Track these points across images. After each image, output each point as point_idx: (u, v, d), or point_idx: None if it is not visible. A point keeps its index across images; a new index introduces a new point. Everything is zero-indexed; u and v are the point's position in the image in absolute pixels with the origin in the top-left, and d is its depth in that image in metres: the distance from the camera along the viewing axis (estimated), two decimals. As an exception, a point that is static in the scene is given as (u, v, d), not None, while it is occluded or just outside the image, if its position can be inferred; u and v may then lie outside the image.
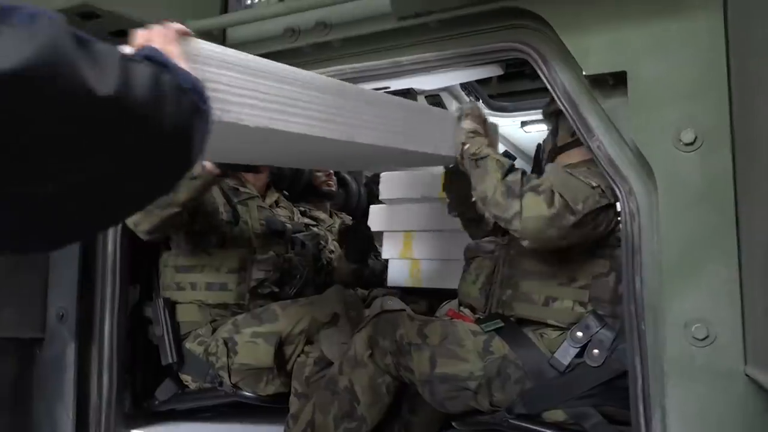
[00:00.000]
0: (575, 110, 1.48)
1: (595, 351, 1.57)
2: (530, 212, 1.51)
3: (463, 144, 1.73)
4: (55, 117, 0.53)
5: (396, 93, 3.03)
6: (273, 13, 1.68)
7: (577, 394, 1.57)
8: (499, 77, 3.70)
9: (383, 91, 1.98)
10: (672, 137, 1.31)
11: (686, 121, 1.30)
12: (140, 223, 1.94)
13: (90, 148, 0.56)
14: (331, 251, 2.59)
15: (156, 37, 0.88)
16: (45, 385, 2.01)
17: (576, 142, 1.85)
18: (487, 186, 1.61)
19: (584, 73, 1.41)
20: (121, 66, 0.59)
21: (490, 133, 1.84)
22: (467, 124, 1.77)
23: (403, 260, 2.80)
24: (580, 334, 1.59)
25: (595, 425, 1.54)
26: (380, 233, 2.96)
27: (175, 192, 1.82)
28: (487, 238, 1.98)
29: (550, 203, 1.51)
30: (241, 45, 1.80)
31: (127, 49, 0.77)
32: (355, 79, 1.78)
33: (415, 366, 1.70)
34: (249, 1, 1.77)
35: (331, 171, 3.05)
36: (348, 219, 3.11)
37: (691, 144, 1.29)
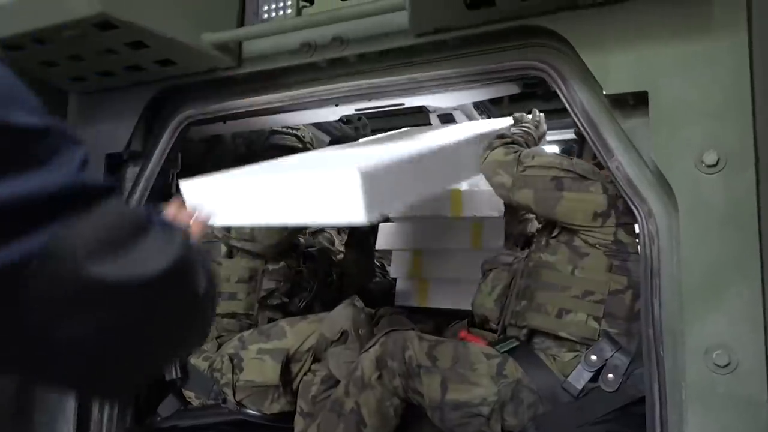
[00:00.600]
0: (594, 130, 1.46)
1: (610, 376, 1.53)
2: (490, 157, 1.83)
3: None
4: (170, 310, 0.66)
5: (409, 110, 3.05)
6: (289, 27, 1.68)
7: (591, 420, 1.53)
8: (511, 98, 3.73)
9: (397, 107, 1.98)
10: (694, 159, 1.28)
11: (709, 142, 1.27)
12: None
13: (176, 328, 0.70)
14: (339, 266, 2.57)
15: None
16: (47, 398, 1.97)
17: (599, 165, 1.85)
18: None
19: (604, 92, 1.40)
20: (206, 271, 0.71)
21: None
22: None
23: (412, 279, 2.78)
24: (594, 357, 1.55)
25: (610, 453, 1.50)
26: (389, 252, 2.94)
27: None
28: (506, 251, 1.97)
29: (507, 153, 1.80)
30: (256, 59, 1.80)
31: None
32: (370, 95, 1.77)
33: (424, 390, 1.66)
34: (266, 15, 1.77)
35: None
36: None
37: (714, 166, 1.26)
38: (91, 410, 1.99)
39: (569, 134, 2.76)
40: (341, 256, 2.65)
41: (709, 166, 1.27)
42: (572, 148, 2.48)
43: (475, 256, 2.36)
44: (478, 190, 2.71)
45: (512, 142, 1.89)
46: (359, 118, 3.51)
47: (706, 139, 1.28)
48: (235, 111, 1.93)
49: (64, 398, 1.94)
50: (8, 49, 1.76)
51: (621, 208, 1.63)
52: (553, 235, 1.78)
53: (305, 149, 2.56)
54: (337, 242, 2.70)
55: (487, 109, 2.73)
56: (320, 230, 2.70)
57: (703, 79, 1.30)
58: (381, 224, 2.96)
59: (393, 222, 2.94)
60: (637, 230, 1.45)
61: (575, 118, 1.49)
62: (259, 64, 1.80)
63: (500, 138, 1.91)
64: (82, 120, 2.06)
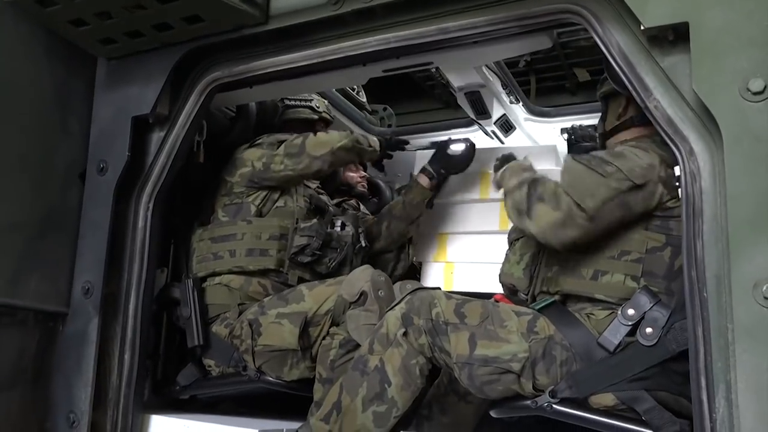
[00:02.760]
0: (632, 71, 1.41)
1: (649, 329, 1.45)
2: (541, 222, 1.57)
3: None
4: None
5: (433, 78, 3.05)
6: (318, -24, 1.66)
7: (628, 377, 1.45)
8: (538, 91, 3.69)
9: (427, 68, 1.94)
10: (739, 87, 1.22)
11: (754, 69, 1.21)
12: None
13: None
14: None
15: None
16: (65, 361, 1.94)
17: (623, 124, 1.81)
18: (507, 209, 1.73)
19: (643, 26, 1.35)
20: None
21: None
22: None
23: (437, 263, 2.72)
24: (631, 311, 1.48)
25: (650, 410, 1.42)
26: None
27: None
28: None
29: (555, 207, 1.55)
30: (284, 14, 1.78)
31: None
32: (398, 50, 1.75)
33: (452, 347, 1.60)
34: (295, -31, 1.76)
35: (365, 173, 3.01)
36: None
37: (761, 93, 1.20)
38: (109, 376, 1.96)
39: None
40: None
41: (755, 94, 1.21)
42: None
43: (503, 238, 2.30)
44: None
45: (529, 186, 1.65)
46: (384, 108, 3.50)
47: (751, 66, 1.22)
48: (261, 72, 1.91)
49: (83, 363, 1.92)
50: (39, 5, 1.78)
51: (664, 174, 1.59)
52: None
53: (321, 120, 2.54)
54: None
55: (515, 91, 2.68)
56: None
57: (746, 4, 1.24)
58: None
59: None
60: (677, 172, 1.39)
61: (611, 61, 1.44)
62: (286, 19, 1.78)
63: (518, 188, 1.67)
64: (110, 85, 2.06)
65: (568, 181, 1.59)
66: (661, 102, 1.37)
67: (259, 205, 2.16)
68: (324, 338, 1.92)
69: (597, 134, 1.94)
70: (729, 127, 1.23)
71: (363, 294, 1.88)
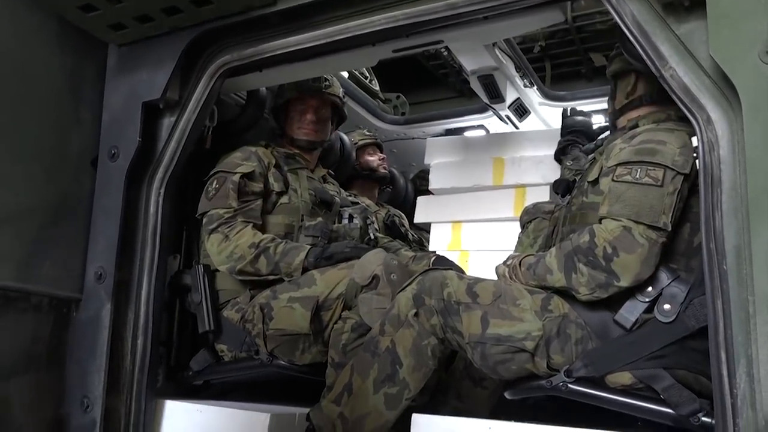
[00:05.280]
0: (647, 39, 1.37)
1: (667, 306, 1.41)
2: (630, 273, 1.42)
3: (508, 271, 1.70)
4: None
5: (446, 66, 2.98)
6: (325, -46, 1.64)
7: (645, 354, 1.41)
8: (553, 78, 3.64)
9: (437, 47, 1.92)
10: (759, 51, 1.18)
11: (774, 32, 1.17)
12: None
13: None
14: (377, 230, 2.50)
15: None
16: (79, 346, 1.94)
17: (632, 103, 1.77)
18: (568, 277, 1.50)
19: (657, -6, 1.31)
20: None
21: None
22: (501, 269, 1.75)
23: (452, 252, 2.70)
24: (649, 287, 1.44)
25: (668, 388, 1.37)
26: (427, 225, 2.87)
27: None
28: (545, 201, 1.87)
29: (632, 249, 1.41)
30: (292, -7, 1.77)
31: None
32: (407, 28, 1.72)
33: (464, 327, 1.57)
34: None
35: (383, 155, 3.00)
36: (395, 211, 3.03)
37: (781, 56, 1.16)
38: (122, 362, 1.96)
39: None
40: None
41: (775, 57, 1.17)
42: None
43: (517, 225, 2.27)
44: (522, 157, 2.63)
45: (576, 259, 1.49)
46: (398, 96, 3.48)
47: (770, 29, 1.18)
48: (270, 54, 1.90)
49: (96, 348, 1.92)
50: (49, -11, 1.78)
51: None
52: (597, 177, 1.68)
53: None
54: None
55: (530, 74, 2.65)
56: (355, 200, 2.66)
57: (766, -35, 1.20)
58: (419, 197, 2.90)
59: (432, 195, 2.87)
60: (694, 142, 1.35)
61: (626, 30, 1.40)
62: (294, -1, 1.77)
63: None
64: (121, 71, 2.06)
65: (630, 210, 1.44)
66: (677, 70, 1.33)
67: (264, 201, 2.12)
68: (336, 322, 1.90)
69: (607, 113, 1.89)
70: (748, 93, 1.19)
71: (375, 277, 1.85)
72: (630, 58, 1.63)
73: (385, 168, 2.93)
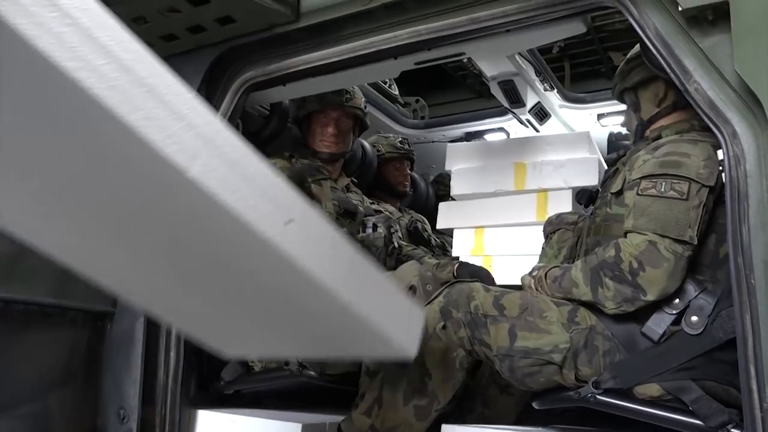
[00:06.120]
0: (670, 53, 1.37)
1: (694, 318, 1.42)
2: (656, 288, 1.42)
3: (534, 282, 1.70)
4: None
5: (465, 68, 2.98)
6: (347, -27, 1.67)
7: (673, 366, 1.42)
8: (573, 77, 3.63)
9: (458, 59, 1.93)
10: (784, 65, 1.18)
11: (800, 46, 1.17)
12: None
13: None
14: (401, 238, 2.52)
15: None
16: (114, 359, 2.00)
17: (662, 112, 1.76)
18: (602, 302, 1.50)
19: (680, 8, 1.31)
20: None
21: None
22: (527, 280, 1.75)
23: (475, 257, 2.71)
24: (676, 300, 1.44)
25: (697, 400, 1.38)
26: (450, 230, 2.88)
27: None
28: (569, 211, 1.87)
29: (658, 264, 1.41)
30: (315, 11, 1.79)
31: None
32: (429, 42, 1.74)
33: (492, 340, 1.59)
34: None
35: (409, 172, 3.02)
36: (417, 216, 3.05)
37: (807, 71, 1.16)
38: (156, 374, 2.01)
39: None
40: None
41: (801, 72, 1.17)
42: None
43: (538, 231, 2.28)
44: (543, 161, 2.63)
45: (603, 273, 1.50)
46: (417, 100, 3.49)
47: (796, 43, 1.18)
48: (293, 70, 1.93)
49: (131, 361, 1.97)
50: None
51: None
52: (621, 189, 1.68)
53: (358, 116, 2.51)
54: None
55: (549, 78, 2.65)
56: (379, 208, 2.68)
57: (791, -20, 1.20)
58: (441, 203, 2.92)
59: (454, 200, 2.89)
60: (720, 156, 1.35)
61: (649, 44, 1.41)
62: (317, 16, 1.79)
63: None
64: (147, 89, 2.10)
65: (655, 225, 1.45)
66: (702, 84, 1.33)
67: None
68: None
69: (631, 126, 1.87)
70: (774, 107, 1.20)
71: (412, 288, 1.89)
72: (653, 68, 1.63)
73: (405, 185, 2.93)
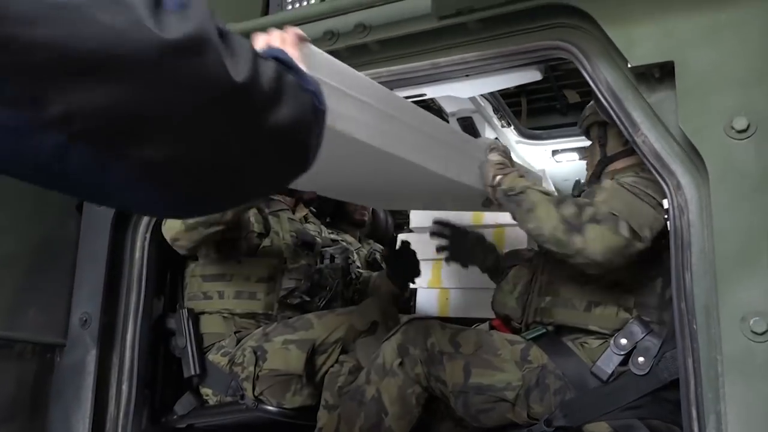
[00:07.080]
0: (620, 106, 1.44)
1: (641, 358, 1.48)
2: (595, 245, 1.45)
3: (494, 177, 1.65)
4: (195, 93, 0.58)
5: (425, 103, 3.05)
6: (314, 14, 1.70)
7: (621, 405, 1.48)
8: (529, 111, 3.73)
9: (419, 99, 1.98)
10: (724, 125, 1.26)
11: (738, 108, 1.25)
12: (181, 239, 1.93)
13: (212, 128, 0.61)
14: (359, 268, 2.54)
15: (276, 40, 0.93)
16: (63, 392, 1.95)
17: (627, 151, 1.80)
18: (542, 223, 1.51)
19: (630, 65, 1.39)
20: (252, 59, 0.63)
21: (517, 165, 1.82)
22: (494, 157, 1.70)
23: (432, 289, 2.74)
24: (624, 340, 1.50)
25: (643, 438, 1.44)
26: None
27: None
28: (526, 248, 1.93)
29: (615, 231, 1.45)
30: (279, 49, 1.82)
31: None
32: (390, 82, 1.78)
33: (447, 376, 1.62)
34: (290, 7, 1.80)
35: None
36: (376, 246, 3.07)
37: (744, 131, 1.24)
38: (107, 407, 1.97)
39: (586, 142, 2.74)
40: (357, 261, 2.63)
41: (739, 132, 1.25)
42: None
43: (496, 264, 2.33)
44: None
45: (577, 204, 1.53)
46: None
47: (735, 105, 1.26)
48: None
49: (81, 394, 1.92)
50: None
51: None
52: None
53: None
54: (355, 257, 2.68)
55: (507, 114, 2.73)
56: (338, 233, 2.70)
57: (730, 45, 1.29)
58: (400, 235, 2.94)
59: (413, 233, 2.92)
60: (665, 205, 1.42)
61: (600, 97, 1.48)
62: (282, 53, 1.81)
63: (562, 202, 1.54)
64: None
65: (622, 208, 1.50)
66: (649, 137, 1.40)
67: (248, 243, 2.13)
68: (332, 366, 1.93)
69: (593, 162, 1.93)
70: (714, 163, 1.27)
71: (374, 324, 1.91)
72: (605, 118, 1.70)
73: (363, 215, 2.94)
